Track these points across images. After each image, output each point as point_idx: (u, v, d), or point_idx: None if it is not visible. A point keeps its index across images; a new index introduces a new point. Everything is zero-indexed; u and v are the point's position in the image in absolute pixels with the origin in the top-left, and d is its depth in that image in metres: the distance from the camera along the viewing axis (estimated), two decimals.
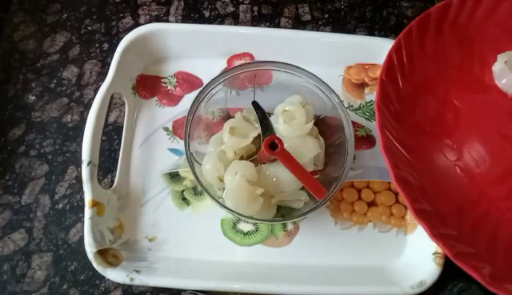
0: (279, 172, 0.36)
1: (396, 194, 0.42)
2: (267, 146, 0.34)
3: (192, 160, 0.36)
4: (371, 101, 0.44)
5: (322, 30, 0.49)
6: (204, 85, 0.38)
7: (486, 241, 0.34)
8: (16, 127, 0.45)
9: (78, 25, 0.49)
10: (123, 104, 0.43)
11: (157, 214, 0.41)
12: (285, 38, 0.44)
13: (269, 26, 0.49)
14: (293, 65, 0.38)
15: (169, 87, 0.45)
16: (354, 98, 0.45)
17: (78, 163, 0.43)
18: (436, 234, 0.30)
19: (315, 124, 0.38)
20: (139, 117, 0.44)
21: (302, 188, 0.36)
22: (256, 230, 0.40)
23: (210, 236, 0.40)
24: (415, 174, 0.34)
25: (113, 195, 0.39)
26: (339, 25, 0.49)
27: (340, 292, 0.37)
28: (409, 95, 0.37)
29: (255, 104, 0.39)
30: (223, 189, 0.36)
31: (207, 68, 0.44)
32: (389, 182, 0.42)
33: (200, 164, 0.37)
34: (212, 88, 0.38)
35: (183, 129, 0.38)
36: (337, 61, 0.44)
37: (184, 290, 0.38)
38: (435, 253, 0.37)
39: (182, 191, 0.41)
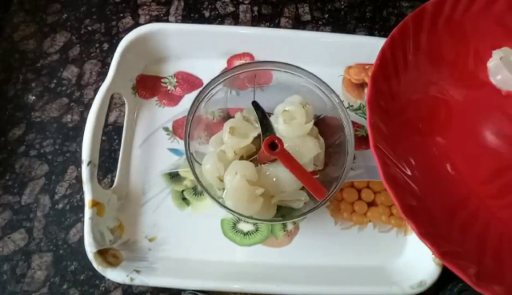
0: (279, 172, 0.36)
1: None
2: (267, 146, 0.34)
3: (192, 160, 0.36)
4: None
5: (322, 30, 0.49)
6: (204, 85, 0.38)
7: (475, 241, 0.34)
8: (16, 127, 0.45)
9: (78, 25, 0.49)
10: (123, 104, 0.43)
11: (157, 214, 0.41)
12: (285, 38, 0.44)
13: (269, 26, 0.49)
14: (293, 65, 0.38)
15: (169, 87, 0.45)
16: (354, 98, 0.45)
17: (78, 163, 0.43)
18: (423, 233, 0.30)
19: (315, 124, 0.38)
20: (139, 117, 0.44)
21: (302, 188, 0.36)
22: (256, 230, 0.40)
23: (210, 236, 0.40)
24: (405, 172, 0.34)
25: (113, 195, 0.39)
26: (339, 25, 0.49)
27: (340, 292, 0.37)
28: (401, 92, 0.37)
29: (255, 104, 0.39)
30: (223, 189, 0.36)
31: (207, 68, 0.44)
32: None
33: (200, 164, 0.37)
34: (212, 88, 0.38)
35: (183, 129, 0.38)
36: (337, 61, 0.44)
37: (184, 290, 0.38)
38: None
39: (182, 191, 0.41)
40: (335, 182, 0.36)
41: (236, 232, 0.40)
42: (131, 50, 0.42)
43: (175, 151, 0.43)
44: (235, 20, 0.49)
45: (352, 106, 0.45)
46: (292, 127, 0.36)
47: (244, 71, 0.38)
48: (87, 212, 0.37)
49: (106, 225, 0.38)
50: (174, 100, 0.45)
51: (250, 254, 0.40)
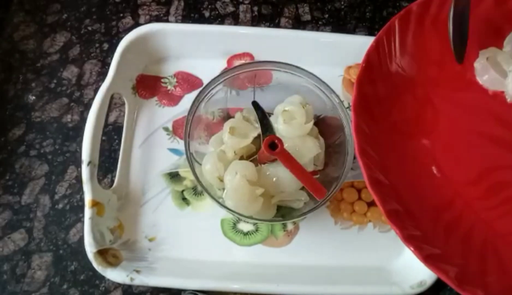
0: (279, 172, 0.36)
1: None
2: (267, 146, 0.34)
3: (192, 160, 0.36)
4: None
5: (322, 30, 0.49)
6: (204, 85, 0.38)
7: (459, 243, 0.33)
8: (16, 127, 0.45)
9: (78, 25, 0.49)
10: (123, 104, 0.43)
11: (157, 214, 0.41)
12: (285, 38, 0.44)
13: (269, 26, 0.49)
14: (293, 65, 0.38)
15: (169, 87, 0.45)
16: None
17: (78, 163, 0.43)
18: (407, 236, 0.30)
19: (315, 124, 0.38)
20: (139, 117, 0.44)
21: (302, 188, 0.36)
22: (256, 230, 0.40)
23: (210, 236, 0.40)
24: (390, 176, 0.34)
25: (113, 195, 0.39)
26: (339, 25, 0.49)
27: (340, 292, 0.37)
28: (387, 95, 0.37)
29: (255, 104, 0.39)
30: (223, 189, 0.36)
31: (207, 68, 0.44)
32: None
33: (200, 164, 0.37)
34: (212, 88, 0.38)
35: (183, 129, 0.38)
36: (337, 61, 0.44)
37: (184, 290, 0.38)
38: None
39: (182, 191, 0.41)
40: (335, 182, 0.36)
41: (236, 232, 0.40)
42: (131, 50, 0.42)
43: (175, 151, 0.43)
44: (235, 20, 0.49)
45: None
46: (292, 127, 0.36)
47: (244, 71, 0.38)
48: (87, 212, 0.37)
49: (106, 225, 0.38)
50: (174, 100, 0.45)
51: (250, 254, 0.40)
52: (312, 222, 0.41)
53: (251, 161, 0.36)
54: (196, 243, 0.40)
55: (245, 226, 0.40)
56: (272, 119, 0.38)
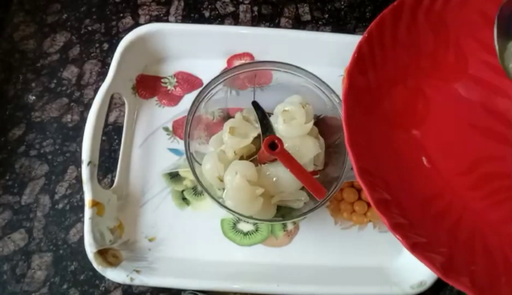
0: (279, 172, 0.36)
1: None
2: (267, 146, 0.34)
3: (192, 160, 0.36)
4: None
5: (322, 30, 0.49)
6: (204, 85, 0.38)
7: (447, 232, 0.33)
8: (16, 127, 0.45)
9: (78, 25, 0.49)
10: (123, 104, 0.43)
11: (157, 214, 0.41)
12: (285, 38, 0.44)
13: (269, 26, 0.49)
14: (293, 65, 0.38)
15: (169, 87, 0.45)
16: None
17: (78, 163, 0.43)
18: (394, 225, 0.30)
19: (315, 124, 0.38)
20: (139, 117, 0.44)
21: (302, 188, 0.36)
22: (256, 230, 0.40)
23: (210, 236, 0.40)
24: (379, 166, 0.34)
25: (113, 195, 0.39)
26: (339, 25, 0.49)
27: (340, 292, 0.37)
28: (378, 86, 0.37)
29: (255, 104, 0.39)
30: (223, 189, 0.36)
31: (207, 68, 0.44)
32: None
33: (200, 164, 0.37)
34: (212, 88, 0.38)
35: (183, 129, 0.38)
36: (337, 61, 0.44)
37: (184, 290, 0.38)
38: None
39: (182, 191, 0.41)
40: (335, 182, 0.36)
41: (236, 232, 0.40)
42: (131, 50, 0.42)
43: (175, 151, 0.43)
44: (235, 20, 0.49)
45: None
46: (292, 127, 0.36)
47: (244, 71, 0.38)
48: (87, 212, 0.37)
49: (106, 225, 0.38)
50: (174, 100, 0.45)
51: (250, 254, 0.40)
52: (312, 222, 0.41)
53: (251, 161, 0.36)
54: (196, 243, 0.40)
55: (245, 226, 0.40)
56: (272, 119, 0.38)
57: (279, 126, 0.37)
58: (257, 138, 0.37)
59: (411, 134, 0.38)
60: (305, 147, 0.36)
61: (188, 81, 0.45)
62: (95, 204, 0.37)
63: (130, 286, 0.39)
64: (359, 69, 0.35)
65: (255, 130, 0.38)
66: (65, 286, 0.39)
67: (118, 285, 0.39)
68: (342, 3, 0.51)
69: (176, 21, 0.49)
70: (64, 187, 0.43)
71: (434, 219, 0.34)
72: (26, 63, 0.47)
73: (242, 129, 0.37)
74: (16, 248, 0.41)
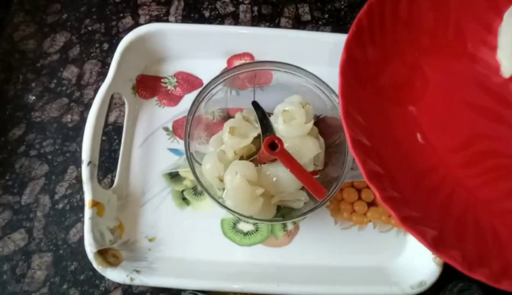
0: (279, 172, 0.36)
1: None
2: (267, 146, 0.34)
3: (192, 160, 0.36)
4: None
5: (322, 30, 0.49)
6: (204, 85, 0.38)
7: (439, 208, 0.34)
8: (16, 127, 0.45)
9: (78, 25, 0.49)
10: (123, 104, 0.43)
11: (157, 214, 0.41)
12: (285, 38, 0.44)
13: (269, 26, 0.49)
14: (293, 65, 0.38)
15: (169, 87, 0.45)
16: None
17: (78, 163, 0.43)
18: (385, 198, 0.30)
19: (315, 124, 0.38)
20: (139, 117, 0.44)
21: (302, 188, 0.36)
22: (256, 230, 0.40)
23: (210, 236, 0.40)
24: (373, 139, 0.34)
25: (113, 195, 0.39)
26: (339, 25, 0.49)
27: (340, 292, 0.37)
28: (377, 60, 0.36)
29: (255, 104, 0.39)
30: (223, 189, 0.36)
31: (207, 68, 0.44)
32: None
33: (200, 164, 0.37)
34: (212, 88, 0.38)
35: (183, 129, 0.38)
36: (337, 61, 0.44)
37: (184, 290, 0.37)
38: None
39: (182, 191, 0.41)
40: (335, 182, 0.36)
41: (236, 232, 0.40)
42: (131, 50, 0.42)
43: (175, 151, 0.43)
44: (235, 20, 0.49)
45: None
46: (292, 127, 0.36)
47: (244, 71, 0.38)
48: (87, 212, 0.37)
49: (106, 225, 0.38)
50: (174, 100, 0.45)
51: (250, 254, 0.40)
52: (312, 222, 0.41)
53: (251, 161, 0.36)
54: (196, 243, 0.40)
55: (245, 226, 0.40)
56: (272, 119, 0.38)
57: (279, 126, 0.37)
58: (257, 138, 0.37)
59: (407, 110, 0.38)
60: (305, 147, 0.36)
61: (188, 81, 0.45)
62: (95, 204, 0.37)
63: (130, 286, 0.39)
64: (357, 42, 0.35)
65: (255, 130, 0.38)
66: (65, 286, 0.39)
67: (118, 285, 0.39)
68: (342, 3, 0.51)
69: (176, 21, 0.49)
70: (64, 187, 0.43)
71: (427, 194, 0.34)
72: (26, 63, 0.47)
73: (242, 129, 0.37)
74: (16, 248, 0.41)
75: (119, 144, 0.42)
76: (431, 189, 0.35)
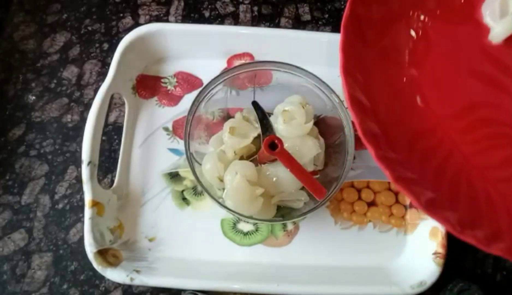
0: (279, 172, 0.36)
1: (396, 194, 0.42)
2: (267, 146, 0.34)
3: (192, 160, 0.36)
4: None
5: (322, 30, 0.49)
6: (204, 85, 0.38)
7: (433, 170, 0.34)
8: (16, 127, 0.45)
9: (78, 25, 0.49)
10: (123, 104, 0.43)
11: (157, 214, 0.41)
12: (285, 38, 0.44)
13: (269, 26, 0.49)
14: (293, 65, 0.38)
15: (169, 87, 0.45)
16: None
17: (78, 163, 0.43)
18: (380, 156, 0.30)
19: (315, 124, 0.38)
20: (139, 117, 0.44)
21: (302, 188, 0.36)
22: (256, 230, 0.40)
23: (210, 236, 0.40)
24: (372, 98, 0.34)
25: (113, 195, 0.39)
26: (339, 25, 0.49)
27: (340, 292, 0.37)
28: (381, 20, 0.36)
29: (255, 104, 0.39)
30: (223, 189, 0.36)
31: (207, 68, 0.44)
32: (389, 182, 0.42)
33: (200, 164, 0.37)
34: (212, 88, 0.38)
35: (183, 129, 0.38)
36: (337, 61, 0.43)
37: (184, 290, 0.38)
38: (435, 253, 0.37)
39: (182, 191, 0.41)
40: (335, 182, 0.36)
41: (236, 232, 0.40)
42: (131, 50, 0.42)
43: (175, 151, 0.43)
44: (235, 20, 0.49)
45: None
46: (292, 127, 0.36)
47: (244, 71, 0.38)
48: (87, 212, 0.37)
49: (106, 225, 0.38)
50: (174, 100, 0.45)
51: (250, 254, 0.40)
52: (312, 222, 0.41)
53: (251, 161, 0.36)
54: (196, 243, 0.40)
55: (245, 226, 0.40)
56: (272, 119, 0.38)
57: (279, 126, 0.37)
58: (257, 138, 0.37)
59: (409, 72, 0.37)
60: (305, 147, 0.36)
61: (188, 81, 0.45)
62: (95, 204, 0.37)
63: (130, 286, 0.39)
64: (363, 0, 0.35)
65: (255, 130, 0.38)
66: (65, 286, 0.39)
67: (118, 285, 0.39)
68: (342, 3, 0.51)
69: (176, 21, 0.49)
70: (64, 187, 0.43)
71: (422, 156, 0.34)
72: (26, 63, 0.47)
73: (242, 129, 0.37)
74: (16, 248, 0.41)
75: (119, 144, 0.42)
76: (427, 152, 0.35)
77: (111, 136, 0.44)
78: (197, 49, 0.45)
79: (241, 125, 0.38)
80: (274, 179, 0.36)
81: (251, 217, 0.35)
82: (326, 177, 0.38)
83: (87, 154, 0.37)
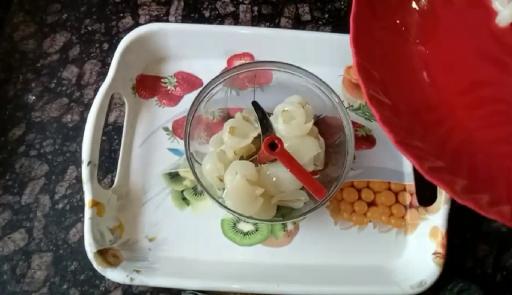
0: (279, 172, 0.36)
1: (396, 194, 0.42)
2: (267, 146, 0.34)
3: (192, 160, 0.36)
4: None
5: (322, 30, 0.49)
6: (204, 85, 0.38)
7: (436, 140, 0.35)
8: (16, 127, 0.45)
9: (78, 25, 0.49)
10: (123, 104, 0.43)
11: (157, 214, 0.41)
12: (285, 38, 0.44)
13: (269, 26, 0.49)
14: (293, 65, 0.38)
15: (169, 87, 0.45)
16: (354, 98, 0.45)
17: (78, 163, 0.43)
18: (384, 120, 0.31)
19: (315, 124, 0.38)
20: (139, 117, 0.44)
21: (302, 188, 0.36)
22: (256, 230, 0.40)
23: (210, 236, 0.40)
24: (379, 69, 0.35)
25: (113, 195, 0.39)
26: (339, 25, 0.49)
27: (340, 292, 0.37)
28: None
29: (255, 104, 0.39)
30: (223, 189, 0.36)
31: (207, 68, 0.44)
32: (389, 182, 0.42)
33: (200, 164, 0.37)
34: (212, 88, 0.38)
35: (183, 129, 0.38)
36: (337, 61, 0.44)
37: (184, 290, 0.38)
38: (435, 253, 0.37)
39: (182, 191, 0.41)
40: (335, 182, 0.36)
41: (236, 232, 0.40)
42: (131, 50, 0.42)
43: (175, 151, 0.43)
44: (235, 20, 0.49)
45: (352, 106, 0.45)
46: (292, 127, 0.36)
47: (244, 71, 0.38)
48: (87, 212, 0.37)
49: (106, 225, 0.38)
50: (174, 100, 0.45)
51: (250, 254, 0.40)
52: (312, 222, 0.41)
53: (251, 161, 0.36)
54: (196, 243, 0.40)
55: (245, 226, 0.40)
56: (272, 119, 0.38)
57: (279, 126, 0.37)
58: (257, 138, 0.37)
59: (417, 48, 0.39)
60: (305, 147, 0.36)
61: (188, 81, 0.45)
62: (95, 204, 0.37)
63: (130, 286, 0.39)
64: None
65: (255, 130, 0.38)
66: (65, 286, 0.39)
67: (118, 285, 0.39)
68: (342, 3, 0.51)
69: (176, 21, 0.49)
70: (64, 187, 0.43)
71: (426, 127, 0.35)
72: (26, 63, 0.47)
73: (242, 129, 0.37)
74: (16, 248, 0.41)
75: (119, 144, 0.42)
76: (431, 124, 0.36)
77: (111, 136, 0.44)
78: (197, 49, 0.45)
79: (241, 125, 0.38)
80: (274, 179, 0.36)
81: (251, 217, 0.35)
82: (326, 177, 0.38)
83: (87, 154, 0.37)
